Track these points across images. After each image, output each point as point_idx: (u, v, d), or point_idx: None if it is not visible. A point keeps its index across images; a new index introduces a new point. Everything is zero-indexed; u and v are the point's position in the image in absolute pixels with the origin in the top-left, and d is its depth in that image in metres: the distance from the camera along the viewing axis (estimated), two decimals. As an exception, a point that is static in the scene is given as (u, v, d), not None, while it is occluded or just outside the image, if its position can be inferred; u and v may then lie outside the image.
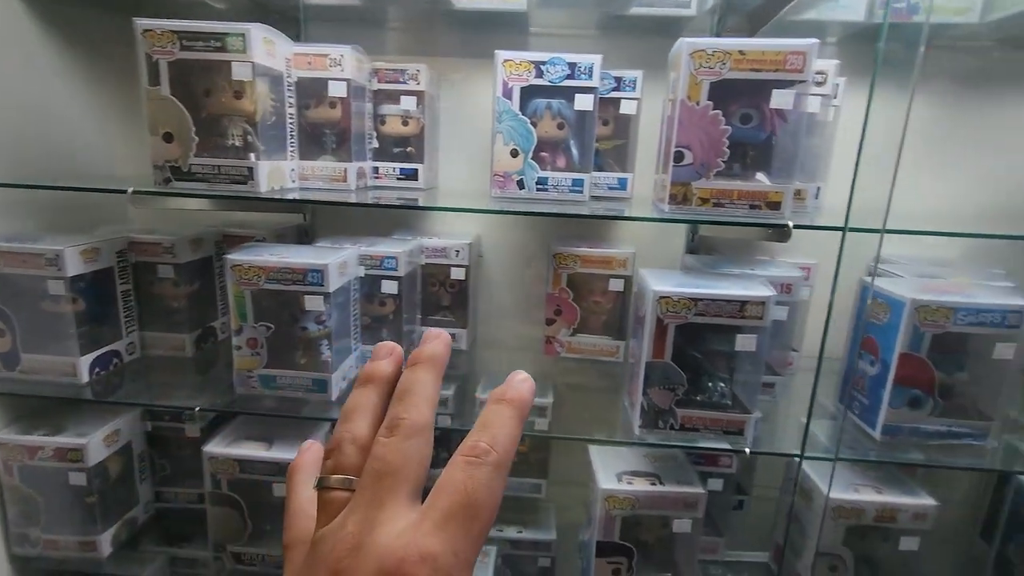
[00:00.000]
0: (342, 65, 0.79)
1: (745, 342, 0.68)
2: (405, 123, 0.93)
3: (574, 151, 0.82)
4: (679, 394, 0.71)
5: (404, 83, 0.90)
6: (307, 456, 0.28)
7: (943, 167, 0.97)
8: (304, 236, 1.07)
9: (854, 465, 0.82)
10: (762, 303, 0.66)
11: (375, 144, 0.93)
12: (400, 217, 1.09)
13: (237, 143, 0.73)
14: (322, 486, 0.24)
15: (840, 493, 0.76)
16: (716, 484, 0.89)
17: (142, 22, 0.66)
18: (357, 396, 0.26)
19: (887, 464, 0.81)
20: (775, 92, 0.63)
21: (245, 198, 0.70)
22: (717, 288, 0.67)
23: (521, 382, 0.25)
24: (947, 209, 0.98)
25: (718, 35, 0.93)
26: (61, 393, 0.79)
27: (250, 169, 0.70)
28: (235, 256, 0.74)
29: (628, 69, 0.87)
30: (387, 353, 0.28)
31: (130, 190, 0.68)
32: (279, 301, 0.76)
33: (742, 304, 0.66)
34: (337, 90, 0.80)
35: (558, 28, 0.98)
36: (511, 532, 1.05)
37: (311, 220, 1.08)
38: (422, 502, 0.23)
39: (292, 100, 0.79)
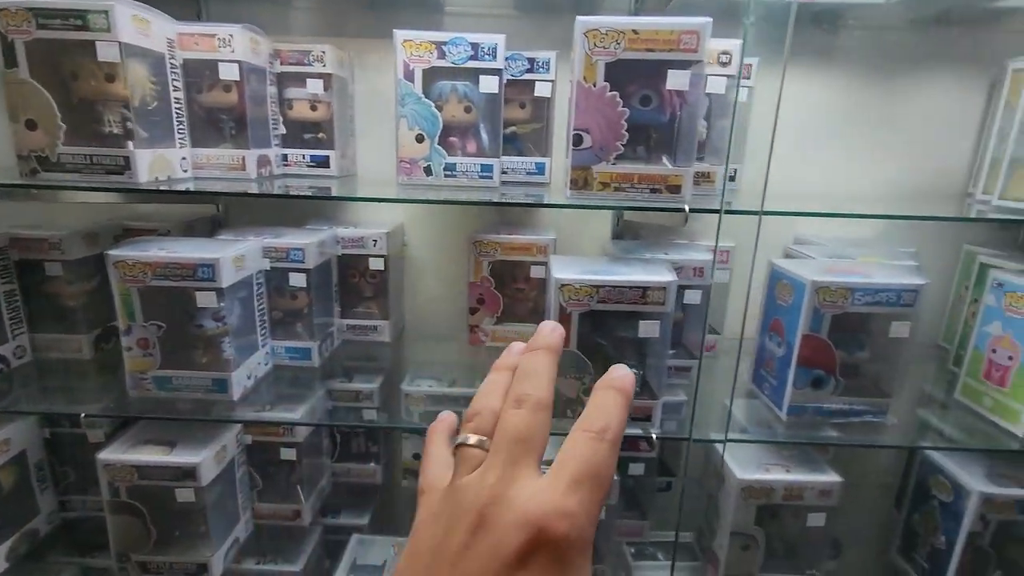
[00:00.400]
0: (232, 46, 0.74)
1: (648, 328, 0.67)
2: (314, 107, 0.89)
3: (484, 135, 0.79)
4: (586, 383, 0.70)
5: (309, 65, 0.86)
6: (445, 421, 0.31)
7: (861, 148, 0.98)
8: (216, 228, 1.02)
9: (768, 446, 0.84)
10: (663, 288, 0.66)
11: (282, 130, 0.88)
12: (319, 207, 1.05)
13: (115, 130, 0.68)
14: (462, 444, 0.27)
15: (751, 474, 0.77)
16: (637, 468, 0.89)
17: (-8, -2, 0.61)
18: (493, 378, 0.29)
19: (801, 444, 0.83)
20: (671, 73, 0.62)
21: (121, 190, 0.65)
22: (619, 275, 0.66)
23: (624, 375, 0.27)
24: (865, 189, 1.00)
25: (635, 14, 0.91)
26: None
27: (126, 158, 0.66)
28: (118, 252, 0.69)
29: (544, 50, 0.85)
30: (513, 359, 0.30)
31: (-12, 183, 0.62)
32: (171, 298, 0.72)
33: (643, 290, 0.66)
34: (229, 72, 0.75)
35: (474, 7, 0.95)
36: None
37: (224, 211, 1.03)
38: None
39: (179, 84, 0.74)
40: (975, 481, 0.77)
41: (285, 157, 0.89)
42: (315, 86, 0.86)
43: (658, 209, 0.63)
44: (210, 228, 1.01)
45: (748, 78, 0.84)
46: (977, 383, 0.79)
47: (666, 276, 0.66)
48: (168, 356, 0.74)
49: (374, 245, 0.93)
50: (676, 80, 0.62)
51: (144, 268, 0.69)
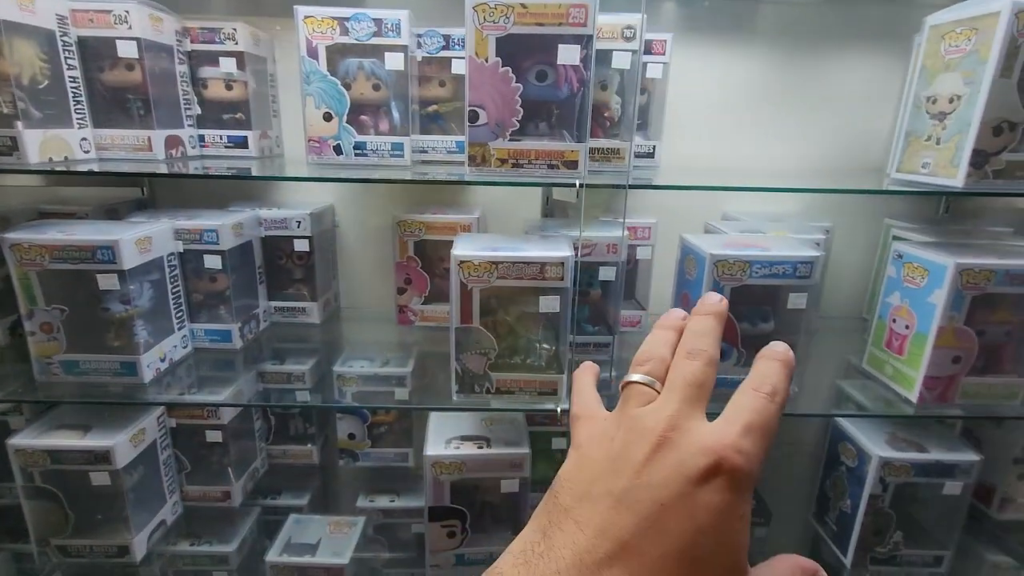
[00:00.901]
0: (129, 22, 0.73)
1: (548, 303, 0.68)
2: (229, 87, 0.88)
3: (395, 113, 0.79)
4: (491, 358, 0.71)
5: (221, 43, 0.84)
6: (591, 366, 0.35)
7: (784, 124, 1.00)
8: (140, 211, 1.01)
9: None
10: (560, 264, 0.66)
11: (196, 110, 0.87)
12: (248, 189, 1.04)
13: (7, 111, 0.66)
14: (632, 381, 0.29)
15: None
16: (560, 443, 0.91)
17: None
18: (659, 333, 0.32)
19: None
20: (561, 47, 0.62)
21: (7, 171, 0.64)
22: (517, 251, 0.67)
23: (785, 348, 0.29)
24: (789, 165, 1.01)
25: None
26: None
27: (13, 138, 0.65)
28: (14, 235, 0.68)
29: (461, 27, 0.84)
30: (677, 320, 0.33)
31: None
32: (76, 281, 0.71)
33: (541, 266, 0.66)
34: (127, 50, 0.74)
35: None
36: (383, 501, 1.05)
37: (150, 194, 1.02)
38: None
39: (73, 62, 0.72)
40: (875, 446, 0.80)
41: (202, 138, 0.88)
42: (228, 64, 0.85)
43: (555, 184, 0.64)
44: (134, 212, 1.00)
45: (663, 54, 0.84)
46: (880, 352, 0.81)
47: (564, 252, 0.67)
48: (77, 340, 0.74)
49: (298, 226, 0.93)
50: (566, 55, 0.62)
51: (41, 251, 0.68)
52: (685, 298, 0.78)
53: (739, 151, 1.00)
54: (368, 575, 0.96)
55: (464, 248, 0.67)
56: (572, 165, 0.66)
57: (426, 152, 0.88)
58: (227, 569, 0.94)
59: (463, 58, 0.84)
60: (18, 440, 0.76)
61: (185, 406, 0.84)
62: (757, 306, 0.75)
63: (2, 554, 0.90)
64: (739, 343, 0.74)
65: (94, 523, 0.81)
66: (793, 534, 1.03)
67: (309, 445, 1.05)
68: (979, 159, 0.64)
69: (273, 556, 0.91)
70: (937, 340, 0.71)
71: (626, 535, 0.25)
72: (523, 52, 0.64)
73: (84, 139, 0.74)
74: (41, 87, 0.68)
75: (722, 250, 0.70)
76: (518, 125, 0.66)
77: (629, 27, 0.74)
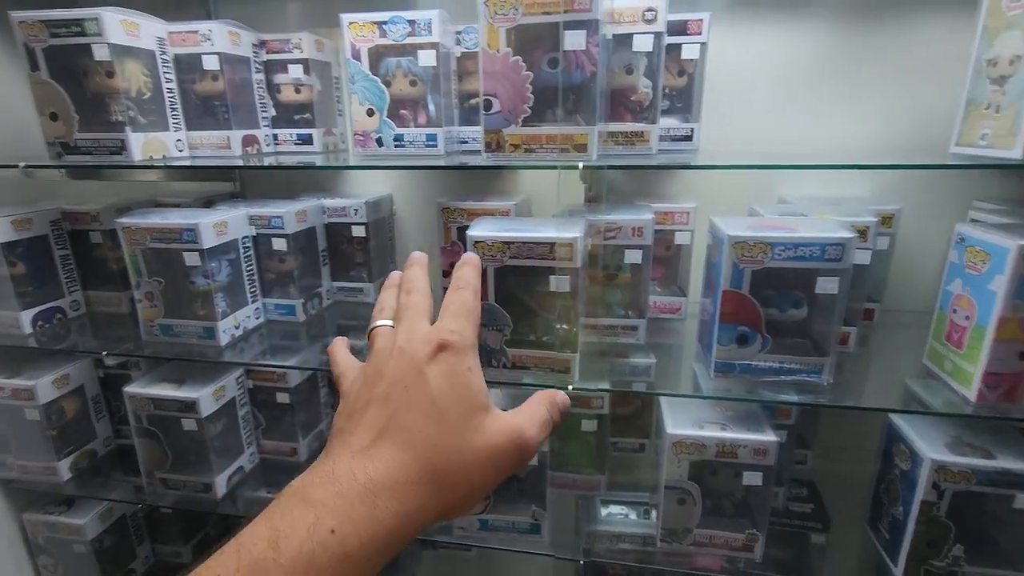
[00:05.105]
0: (212, 40, 0.85)
1: (559, 283, 0.70)
2: (298, 90, 0.99)
3: (431, 107, 0.85)
4: (507, 334, 0.75)
5: (289, 52, 0.96)
6: (340, 339, 0.42)
7: (841, 101, 0.92)
8: (233, 201, 1.17)
9: (715, 404, 0.84)
10: (570, 244, 0.68)
11: (272, 112, 1.00)
12: (320, 181, 1.16)
13: (120, 118, 0.81)
14: (373, 328, 0.38)
15: (683, 430, 0.78)
16: (590, 425, 0.92)
17: (16, 15, 0.76)
18: (386, 291, 0.42)
19: (746, 402, 0.82)
20: (567, 33, 0.64)
21: (117, 166, 0.79)
22: (528, 231, 0.70)
23: (472, 256, 0.41)
24: (848, 143, 0.94)
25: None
26: (8, 342, 0.93)
27: (123, 141, 0.79)
28: (124, 220, 0.84)
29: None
30: (397, 279, 0.42)
31: (21, 164, 0.78)
32: (169, 258, 0.86)
33: (551, 246, 0.69)
34: (211, 63, 0.87)
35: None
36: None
37: (240, 187, 1.18)
38: None
39: (171, 76, 0.86)
40: (929, 448, 0.72)
41: (276, 136, 1.00)
42: (296, 71, 0.96)
43: (561, 167, 0.66)
44: (226, 201, 1.16)
45: (699, 34, 0.82)
46: (940, 346, 0.74)
47: (574, 233, 0.69)
48: (172, 308, 0.88)
49: (355, 214, 1.03)
50: (572, 40, 0.64)
51: (144, 233, 0.83)
52: (710, 282, 0.76)
53: (792, 132, 0.94)
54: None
55: (480, 229, 0.72)
56: (582, 148, 0.68)
57: (467, 143, 0.93)
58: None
59: (500, 51, 0.90)
60: (130, 388, 0.93)
61: (258, 368, 0.97)
62: (788, 291, 0.71)
63: (124, 484, 1.09)
64: (763, 329, 0.71)
65: (187, 462, 0.96)
66: (850, 541, 0.95)
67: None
68: (1042, 126, 0.56)
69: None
70: (998, 332, 0.64)
71: (384, 418, 0.32)
72: (535, 41, 0.67)
73: (179, 140, 0.89)
74: (145, 98, 0.83)
75: (743, 231, 0.68)
76: (530, 112, 0.69)
77: (650, 9, 0.73)
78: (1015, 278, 0.61)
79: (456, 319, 0.35)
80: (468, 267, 0.40)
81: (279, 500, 0.29)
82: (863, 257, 0.77)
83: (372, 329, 0.38)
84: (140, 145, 0.81)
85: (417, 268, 0.40)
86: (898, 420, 0.79)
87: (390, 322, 0.38)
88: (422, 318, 0.36)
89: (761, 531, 0.80)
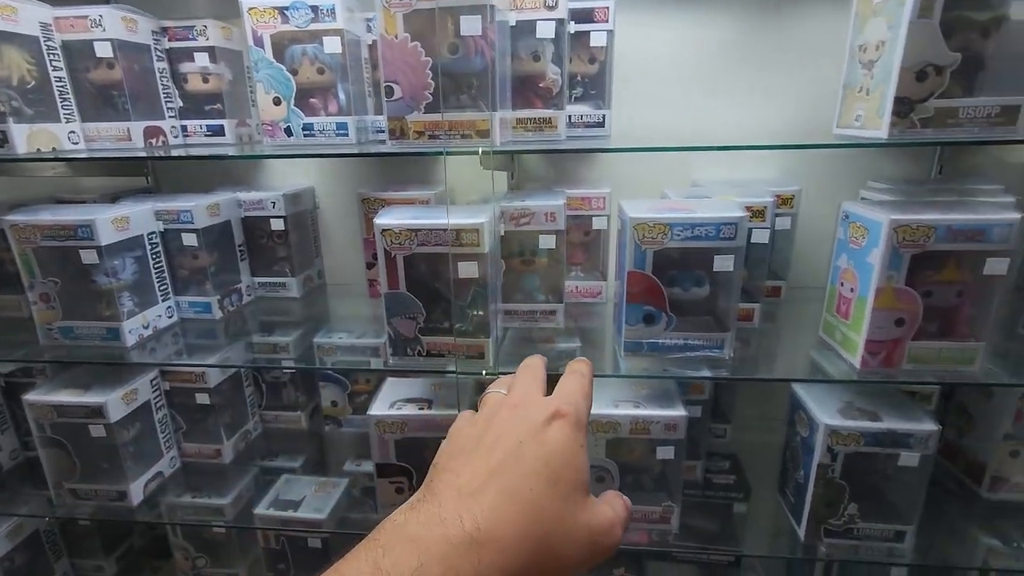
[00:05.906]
0: (103, 26, 0.81)
1: (467, 269, 0.71)
2: (205, 80, 0.95)
3: (341, 95, 0.83)
4: (420, 322, 0.75)
5: (194, 40, 0.92)
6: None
7: (747, 86, 0.96)
8: (143, 197, 1.12)
9: (631, 383, 0.86)
10: (476, 230, 0.69)
11: (179, 103, 0.96)
12: (237, 173, 1.12)
13: (1, 108, 0.76)
14: (486, 394, 0.38)
15: (598, 409, 0.80)
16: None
17: None
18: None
19: (657, 379, 0.85)
20: (463, 19, 0.64)
21: (0, 160, 0.74)
22: (436, 219, 0.70)
23: (586, 363, 0.40)
24: (748, 129, 0.98)
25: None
26: None
27: (3, 132, 0.75)
28: (12, 217, 0.79)
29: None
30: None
31: None
32: (65, 257, 0.81)
33: (457, 233, 0.69)
34: (104, 50, 0.82)
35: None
36: (368, 466, 1.12)
37: (153, 182, 1.13)
38: None
39: (59, 64, 0.82)
40: (824, 414, 0.77)
41: (184, 128, 0.96)
42: (202, 59, 0.92)
43: (459, 153, 0.66)
44: (136, 197, 1.10)
45: (606, 21, 0.84)
46: (832, 318, 0.78)
47: (479, 219, 0.69)
48: (72, 309, 0.84)
49: (273, 207, 1.00)
50: (468, 26, 0.64)
51: (34, 231, 0.79)
52: (620, 264, 0.78)
53: (699, 117, 0.98)
54: (342, 527, 1.03)
55: (388, 218, 0.71)
56: (484, 134, 0.69)
57: (383, 131, 0.92)
58: (223, 520, 1.04)
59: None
60: (30, 396, 0.88)
61: (170, 368, 0.94)
62: (690, 270, 0.74)
63: (37, 497, 1.04)
64: (667, 308, 0.74)
65: (99, 470, 0.92)
66: (767, 508, 1.00)
67: (298, 412, 1.13)
68: (903, 107, 0.60)
69: (260, 510, 1.00)
70: (876, 301, 0.68)
71: (494, 464, 0.31)
72: (433, 27, 0.67)
73: (72, 132, 0.84)
74: (29, 87, 0.78)
75: (643, 213, 0.70)
76: (431, 98, 0.69)
77: (552, -5, 0.74)
78: (888, 250, 0.66)
79: (572, 395, 0.35)
80: (583, 363, 0.40)
81: (381, 533, 0.28)
82: (762, 236, 0.81)
83: (484, 395, 0.38)
84: (25, 137, 0.76)
85: (536, 359, 0.41)
86: (799, 390, 0.84)
87: (504, 390, 0.37)
88: (537, 388, 0.36)
89: (676, 503, 0.83)
